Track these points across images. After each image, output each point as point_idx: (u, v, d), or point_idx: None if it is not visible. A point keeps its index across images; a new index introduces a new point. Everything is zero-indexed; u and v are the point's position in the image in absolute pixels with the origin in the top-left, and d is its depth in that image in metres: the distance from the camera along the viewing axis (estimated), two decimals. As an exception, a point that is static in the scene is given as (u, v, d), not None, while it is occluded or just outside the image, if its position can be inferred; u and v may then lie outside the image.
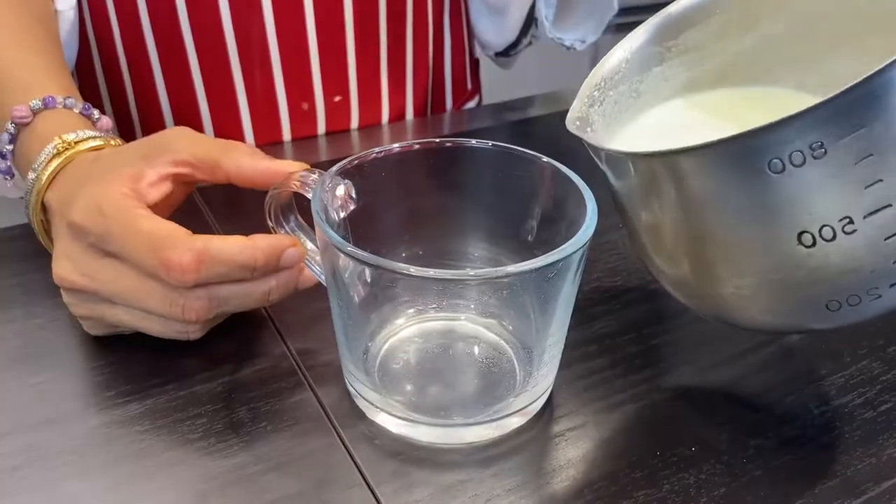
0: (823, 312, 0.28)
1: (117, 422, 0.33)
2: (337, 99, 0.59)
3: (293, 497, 0.30)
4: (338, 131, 0.61)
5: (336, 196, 0.34)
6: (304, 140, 0.60)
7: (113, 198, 0.33)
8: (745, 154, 0.26)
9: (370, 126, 0.61)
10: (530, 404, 0.33)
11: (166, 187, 0.35)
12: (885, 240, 0.25)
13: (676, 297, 0.33)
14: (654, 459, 0.32)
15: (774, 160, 0.25)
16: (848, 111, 0.24)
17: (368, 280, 0.32)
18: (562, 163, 0.34)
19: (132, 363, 0.36)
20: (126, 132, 0.60)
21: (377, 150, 0.35)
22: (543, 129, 0.62)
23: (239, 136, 0.58)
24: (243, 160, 0.35)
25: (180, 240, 0.32)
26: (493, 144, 0.35)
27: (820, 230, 0.26)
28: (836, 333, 0.39)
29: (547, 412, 0.34)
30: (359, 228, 0.35)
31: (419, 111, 0.64)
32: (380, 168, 0.35)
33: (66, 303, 0.35)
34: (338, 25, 0.56)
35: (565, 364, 0.36)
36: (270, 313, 0.39)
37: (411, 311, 0.36)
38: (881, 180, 0.25)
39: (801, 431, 0.33)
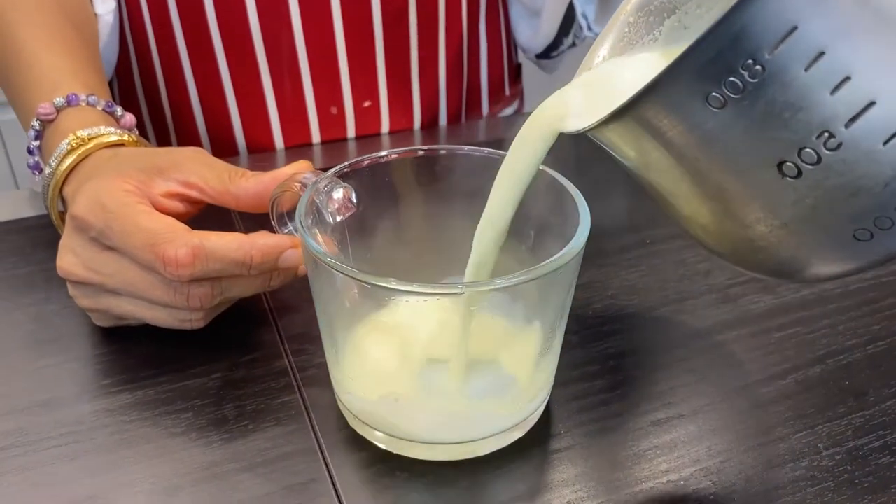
0: (856, 245, 0.24)
1: (106, 410, 0.33)
2: (366, 104, 0.59)
3: (260, 498, 0.30)
4: (368, 135, 0.61)
5: (333, 199, 0.33)
6: (332, 143, 0.60)
7: (115, 193, 0.34)
8: (679, 97, 0.23)
9: (401, 131, 0.61)
10: (518, 424, 0.32)
11: (174, 204, 0.36)
12: (885, 144, 0.21)
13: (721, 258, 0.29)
14: (638, 490, 0.30)
15: (712, 94, 0.22)
16: (763, 16, 0.20)
17: (355, 290, 0.31)
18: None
19: (134, 353, 0.37)
20: (161, 133, 0.61)
21: (374, 155, 0.34)
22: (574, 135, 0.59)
23: (268, 139, 0.59)
24: (250, 182, 0.36)
25: (177, 235, 0.33)
26: (489, 151, 0.34)
27: (799, 154, 0.22)
28: (863, 370, 0.36)
29: (535, 432, 0.33)
30: (356, 233, 0.35)
31: (453, 117, 0.64)
32: (376, 173, 0.35)
33: (72, 295, 0.36)
34: (366, 32, 0.56)
35: (561, 383, 0.35)
36: (273, 310, 0.40)
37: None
38: (849, 78, 0.21)
39: (805, 472, 0.31)
